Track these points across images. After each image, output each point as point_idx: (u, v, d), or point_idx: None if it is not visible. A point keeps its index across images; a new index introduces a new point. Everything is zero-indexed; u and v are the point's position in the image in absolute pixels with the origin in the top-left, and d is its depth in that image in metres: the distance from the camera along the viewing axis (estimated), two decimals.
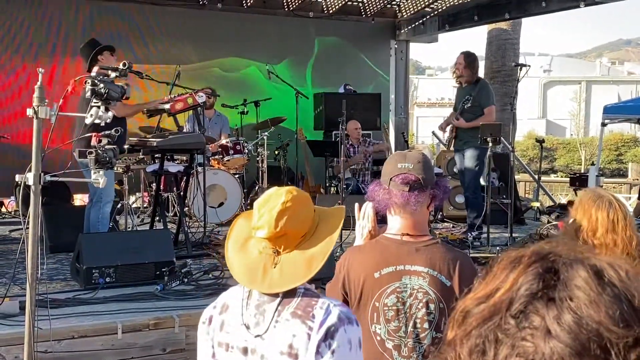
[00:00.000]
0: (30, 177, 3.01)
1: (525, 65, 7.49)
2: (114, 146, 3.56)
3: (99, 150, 3.44)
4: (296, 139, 8.95)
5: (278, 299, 1.84)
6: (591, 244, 2.33)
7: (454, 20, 10.47)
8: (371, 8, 10.70)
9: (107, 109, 3.45)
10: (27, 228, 3.02)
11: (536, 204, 9.09)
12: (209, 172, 7.43)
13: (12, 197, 8.80)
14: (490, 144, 6.68)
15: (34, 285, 3.04)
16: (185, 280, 5.07)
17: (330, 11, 10.56)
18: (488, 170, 6.90)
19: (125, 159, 7.46)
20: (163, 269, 5.02)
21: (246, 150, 8.40)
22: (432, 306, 2.35)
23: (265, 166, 8.56)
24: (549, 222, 7.78)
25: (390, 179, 2.43)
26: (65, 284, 5.13)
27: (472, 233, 7.00)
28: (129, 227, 6.95)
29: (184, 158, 7.62)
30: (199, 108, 6.49)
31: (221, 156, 8.25)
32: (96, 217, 5.81)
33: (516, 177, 11.40)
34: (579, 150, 30.25)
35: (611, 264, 0.74)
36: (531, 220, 8.76)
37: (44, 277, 4.57)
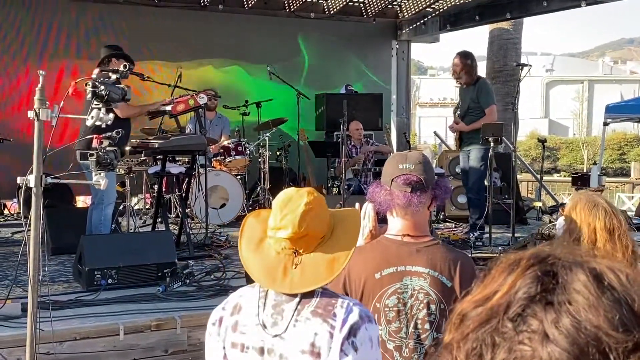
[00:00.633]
0: (31, 179, 3.02)
1: (526, 65, 7.49)
2: (115, 148, 3.56)
3: (100, 152, 3.44)
4: (297, 140, 8.95)
5: (297, 299, 1.84)
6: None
7: (455, 20, 10.46)
8: (372, 8, 10.70)
9: (107, 111, 3.45)
10: (29, 230, 3.02)
11: (538, 204, 9.08)
12: (211, 174, 7.43)
13: (15, 199, 8.80)
14: (492, 144, 6.68)
15: (35, 287, 3.05)
16: (187, 281, 5.07)
17: (331, 12, 10.55)
18: (490, 170, 6.89)
19: (127, 161, 7.46)
20: (165, 271, 5.03)
21: (248, 152, 8.40)
22: (433, 307, 2.35)
23: (267, 167, 8.56)
24: (550, 221, 7.76)
25: (392, 180, 2.42)
26: (67, 285, 5.14)
27: (474, 233, 6.99)
28: (131, 229, 6.95)
29: (186, 159, 7.62)
30: (200, 109, 6.49)
31: (223, 157, 8.25)
32: (98, 219, 5.81)
33: (518, 176, 11.40)
34: (582, 150, 30.21)
35: (611, 267, 0.73)
36: (533, 220, 8.75)
37: (46, 279, 4.57)
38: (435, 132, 13.49)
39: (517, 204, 7.79)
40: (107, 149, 3.47)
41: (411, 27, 11.14)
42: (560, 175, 27.38)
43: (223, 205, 7.87)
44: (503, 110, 10.29)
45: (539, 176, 10.20)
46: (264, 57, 9.80)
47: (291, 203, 1.86)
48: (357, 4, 10.63)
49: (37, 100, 3.00)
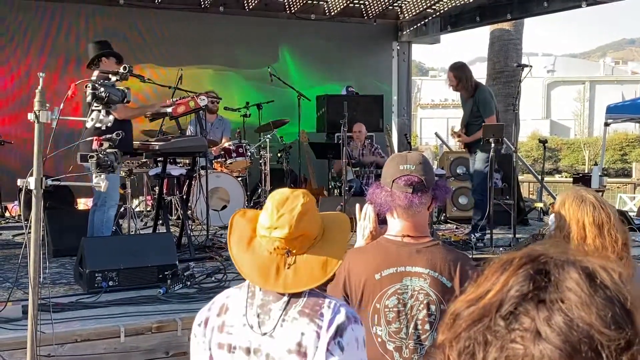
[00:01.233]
0: (31, 182, 3.02)
1: (527, 66, 7.50)
2: (116, 150, 3.56)
3: (100, 154, 3.44)
4: (298, 141, 8.95)
5: (285, 298, 1.86)
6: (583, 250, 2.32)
7: (456, 21, 10.46)
8: (373, 10, 10.70)
9: (107, 113, 3.45)
10: (29, 232, 3.02)
11: (539, 205, 9.07)
12: (212, 175, 7.43)
13: (16, 202, 8.81)
14: (493, 145, 6.70)
15: (36, 289, 3.05)
16: (188, 283, 5.07)
17: (332, 13, 10.56)
18: (491, 171, 6.90)
19: (127, 163, 7.46)
20: (166, 272, 5.02)
21: (249, 153, 8.40)
22: (433, 307, 2.35)
23: (268, 169, 8.56)
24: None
25: (393, 181, 2.42)
26: (68, 287, 5.14)
27: (476, 234, 6.99)
28: (131, 231, 6.96)
29: (187, 161, 7.62)
30: (200, 111, 6.49)
31: (224, 159, 8.26)
32: (100, 221, 5.81)
33: (520, 177, 11.38)
34: (583, 151, 30.19)
35: (604, 266, 0.73)
36: (535, 220, 8.74)
37: (47, 281, 4.57)
38: (436, 133, 13.48)
39: (518, 204, 7.79)
40: (107, 150, 3.47)
41: (412, 28, 11.14)
42: (562, 176, 27.36)
43: (224, 207, 7.88)
44: (504, 111, 10.30)
45: (540, 177, 10.19)
46: (265, 58, 9.81)
47: (288, 203, 1.87)
48: (357, 5, 10.64)
49: (37, 102, 3.01)
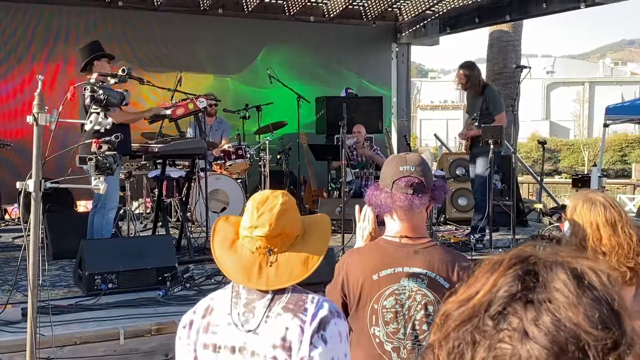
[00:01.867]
0: (30, 184, 3.02)
1: (526, 67, 7.52)
2: (114, 152, 3.57)
3: (99, 157, 3.45)
4: (298, 143, 8.96)
5: (268, 295, 1.90)
6: (600, 251, 2.34)
7: (455, 22, 10.47)
8: (372, 12, 10.71)
9: (106, 115, 3.46)
10: (29, 235, 3.03)
11: (539, 206, 9.07)
12: (211, 177, 7.43)
13: (15, 204, 8.82)
14: (492, 146, 6.71)
15: (35, 291, 3.05)
16: (188, 285, 5.08)
17: (331, 15, 10.57)
18: (490, 172, 6.91)
19: (127, 165, 7.47)
20: (165, 275, 5.03)
21: (248, 155, 8.41)
22: (430, 308, 2.35)
23: (268, 170, 8.57)
24: (550, 223, 7.77)
25: (393, 182, 2.42)
26: (67, 290, 5.14)
27: (475, 235, 7.00)
28: (131, 233, 6.96)
29: (186, 163, 7.63)
30: (200, 113, 6.50)
31: (223, 161, 8.26)
32: (100, 223, 5.81)
33: (519, 178, 11.39)
34: (583, 152, 30.19)
35: (593, 268, 0.74)
36: (534, 222, 8.75)
37: (46, 284, 4.58)
38: (435, 135, 13.49)
39: (518, 205, 7.80)
40: (106, 153, 3.48)
41: (411, 30, 11.15)
42: (561, 177, 27.36)
43: (223, 209, 7.88)
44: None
45: (539, 178, 10.20)
46: (265, 61, 9.82)
47: (267, 203, 1.93)
48: (356, 7, 10.65)
49: (35, 105, 3.01)
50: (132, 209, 7.59)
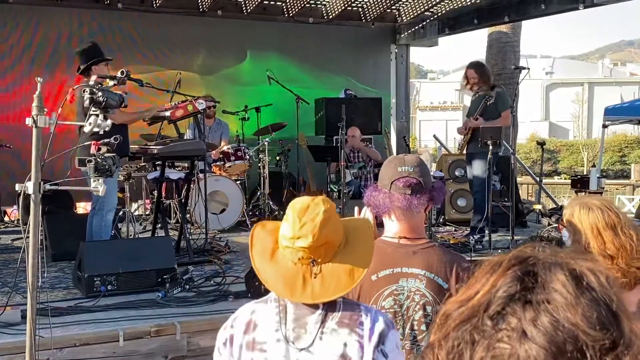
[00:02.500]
0: (29, 186, 3.02)
1: (524, 68, 7.53)
2: (114, 154, 3.57)
3: (98, 159, 3.45)
4: (297, 144, 8.96)
5: (320, 310, 1.82)
6: (607, 255, 2.35)
7: (454, 23, 10.48)
8: (371, 13, 10.72)
9: (105, 117, 3.46)
10: (28, 237, 3.03)
11: (538, 207, 9.08)
12: (211, 179, 7.43)
13: (15, 206, 8.82)
14: (490, 147, 6.71)
15: (34, 293, 3.05)
16: (187, 287, 5.08)
17: (330, 16, 10.58)
18: (489, 173, 6.91)
19: (126, 167, 7.47)
20: (165, 276, 5.03)
21: (247, 156, 8.41)
22: (429, 308, 2.36)
23: (267, 172, 8.57)
24: (549, 224, 7.77)
25: (392, 183, 2.43)
26: (67, 292, 5.14)
27: (474, 236, 7.00)
28: (130, 235, 6.96)
29: (185, 165, 7.63)
30: (199, 115, 6.50)
31: (222, 162, 8.26)
32: (99, 225, 5.81)
33: (518, 179, 11.39)
34: (582, 152, 30.21)
35: (591, 269, 0.74)
36: (533, 222, 8.76)
37: (46, 286, 4.58)
38: (434, 136, 13.49)
39: (517, 206, 7.80)
40: (105, 155, 3.48)
41: (410, 31, 11.17)
42: (561, 178, 27.37)
43: (223, 211, 7.88)
44: None
45: (538, 179, 10.21)
46: (264, 62, 9.82)
47: (309, 211, 1.82)
48: (355, 8, 10.66)
49: (35, 107, 3.01)
50: (132, 211, 7.58)
